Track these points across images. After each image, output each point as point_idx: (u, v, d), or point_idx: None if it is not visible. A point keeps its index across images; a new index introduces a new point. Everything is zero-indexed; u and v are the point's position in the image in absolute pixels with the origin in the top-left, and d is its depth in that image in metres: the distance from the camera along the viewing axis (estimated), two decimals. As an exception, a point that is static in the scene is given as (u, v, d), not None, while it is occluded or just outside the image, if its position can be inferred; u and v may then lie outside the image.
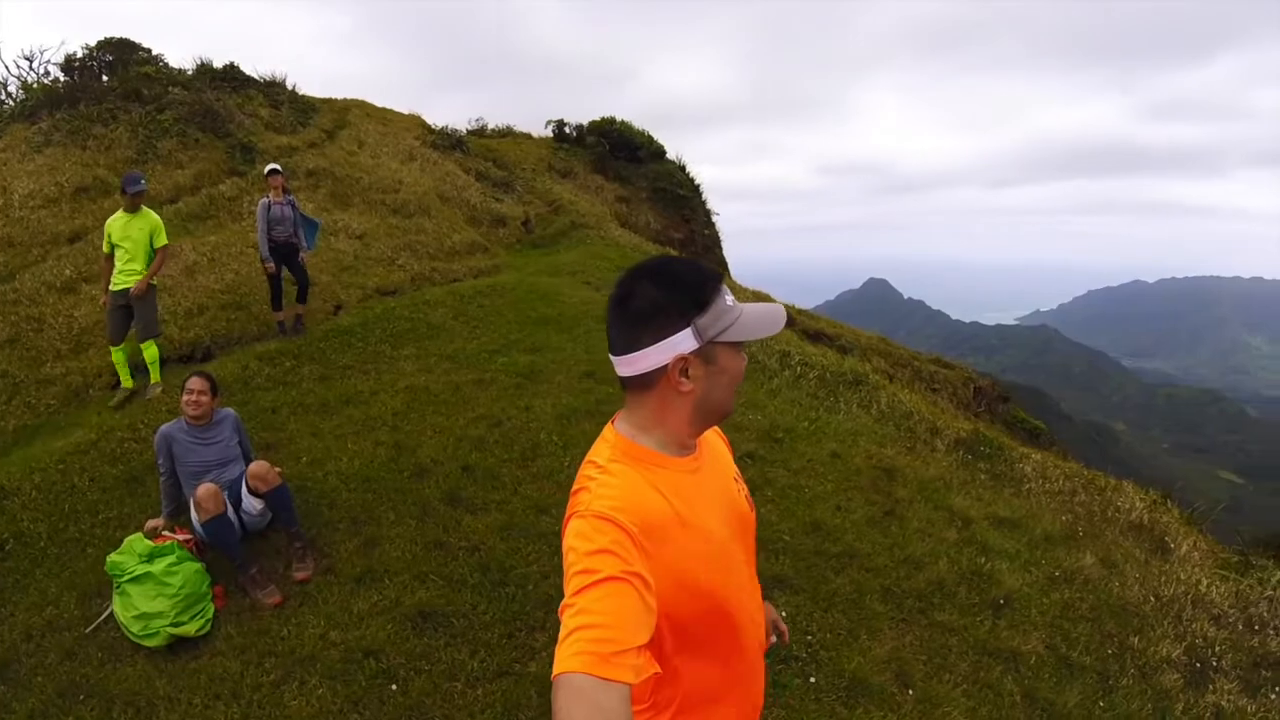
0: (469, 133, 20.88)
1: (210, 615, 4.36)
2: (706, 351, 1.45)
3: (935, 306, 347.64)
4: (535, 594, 4.41)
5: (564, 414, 7.08)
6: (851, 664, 4.11)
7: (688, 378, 1.46)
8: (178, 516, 5.05)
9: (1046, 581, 5.19)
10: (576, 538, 1.30)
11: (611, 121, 21.07)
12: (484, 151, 19.18)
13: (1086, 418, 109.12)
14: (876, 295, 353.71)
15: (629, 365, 1.47)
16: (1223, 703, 4.24)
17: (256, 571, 4.57)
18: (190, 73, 16.61)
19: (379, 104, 20.09)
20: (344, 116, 17.92)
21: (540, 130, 22.30)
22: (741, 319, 1.49)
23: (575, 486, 1.47)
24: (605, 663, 1.10)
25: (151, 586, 4.30)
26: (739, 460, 6.06)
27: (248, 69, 17.56)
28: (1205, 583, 5.33)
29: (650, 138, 20.91)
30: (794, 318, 14.25)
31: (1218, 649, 4.66)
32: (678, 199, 19.85)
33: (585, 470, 1.48)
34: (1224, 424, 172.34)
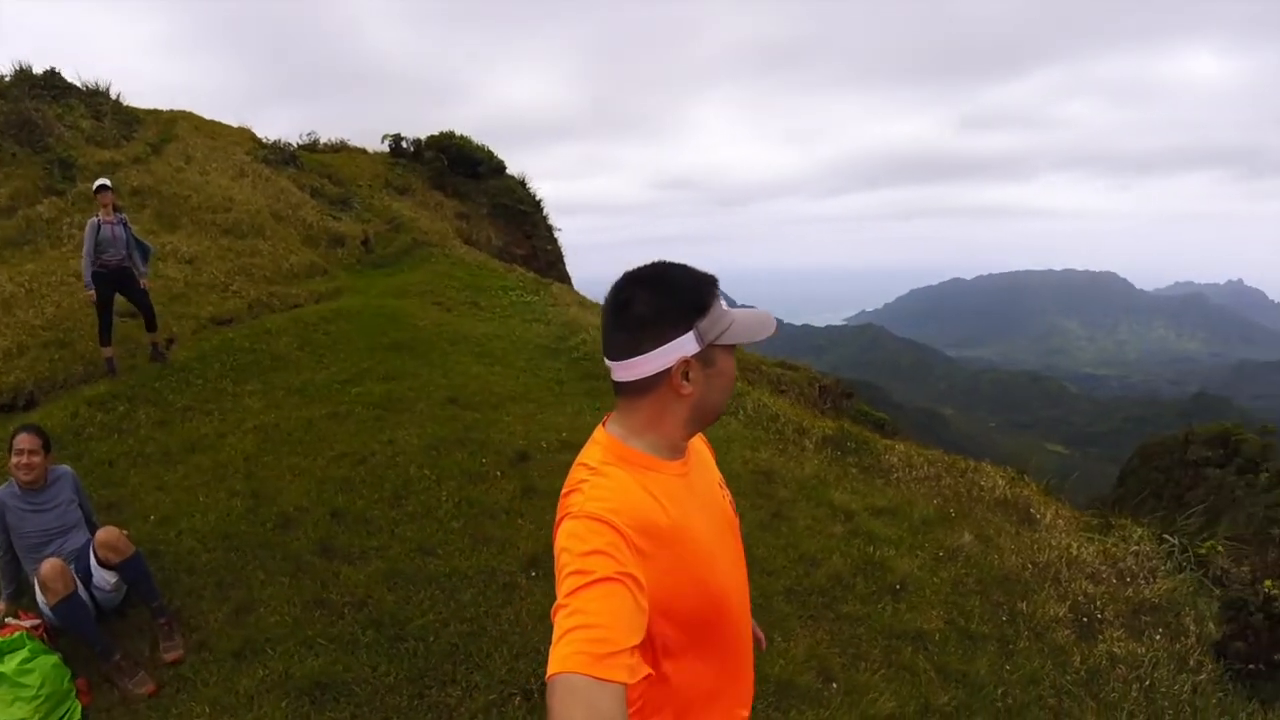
0: (300, 147, 19.87)
1: (78, 716, 3.73)
2: (706, 354, 1.49)
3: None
4: (438, 645, 4.01)
5: (432, 445, 6.68)
6: (774, 668, 4.10)
7: (688, 380, 1.49)
8: (19, 599, 4.29)
9: (933, 562, 5.38)
10: (570, 539, 1.32)
11: (450, 136, 20.47)
12: (318, 167, 18.19)
13: (916, 405, 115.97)
14: None
15: (630, 370, 1.49)
16: (1114, 649, 4.53)
17: (121, 658, 3.87)
18: (7, 79, 14.94)
19: (207, 116, 18.67)
20: (170, 129, 16.49)
21: (376, 145, 21.45)
22: (736, 322, 1.54)
23: (566, 489, 1.48)
24: (600, 663, 1.10)
25: (6, 691, 3.58)
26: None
27: (70, 76, 15.93)
28: (1074, 546, 5.68)
29: (490, 153, 20.44)
30: None
31: (1099, 603, 4.96)
32: (519, 215, 19.53)
33: (576, 473, 1.49)
34: (1046, 401, 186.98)
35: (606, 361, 1.53)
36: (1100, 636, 4.65)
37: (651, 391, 1.50)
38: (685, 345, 1.46)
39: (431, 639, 4.09)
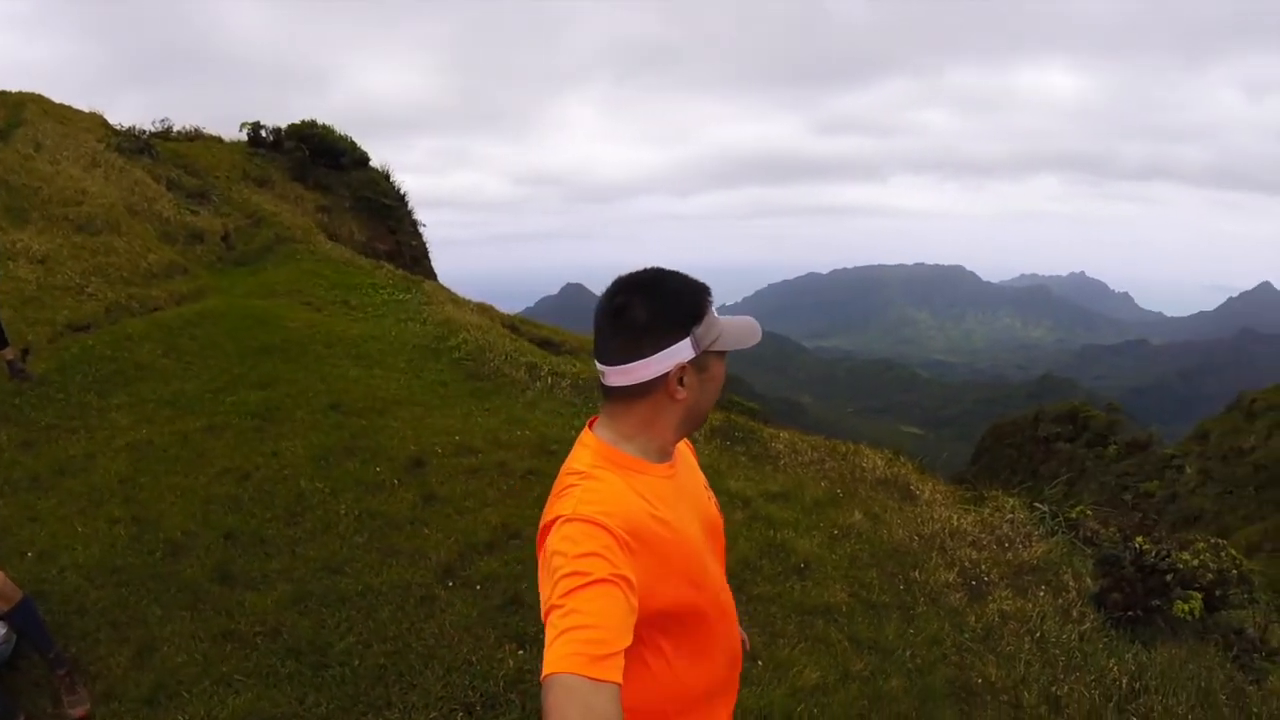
0: (154, 135, 18.37)
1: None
2: (700, 360, 1.55)
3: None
4: (365, 669, 3.86)
5: (319, 455, 6.42)
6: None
7: (683, 385, 1.54)
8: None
9: (830, 541, 5.65)
10: (564, 541, 1.33)
11: (312, 125, 19.43)
12: (173, 157, 16.90)
13: (778, 395, 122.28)
14: (575, 300, 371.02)
15: (626, 375, 1.52)
16: (1004, 607, 4.89)
17: (26, 720, 3.64)
18: None
19: (57, 99, 17.18)
20: (19, 113, 15.07)
21: (233, 133, 19.99)
22: (726, 330, 1.59)
23: (555, 492, 1.51)
24: (596, 664, 1.14)
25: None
26: (522, 478, 5.95)
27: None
28: (954, 518, 6.08)
29: (353, 143, 19.57)
30: (518, 325, 14.24)
31: (983, 567, 5.34)
32: (383, 209, 18.83)
33: (566, 478, 1.52)
34: (899, 386, 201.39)
35: (600, 365, 1.56)
36: (990, 597, 5.02)
37: (647, 396, 1.54)
38: (682, 351, 1.51)
39: (356, 663, 3.94)
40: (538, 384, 8.78)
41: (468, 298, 14.31)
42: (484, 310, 13.80)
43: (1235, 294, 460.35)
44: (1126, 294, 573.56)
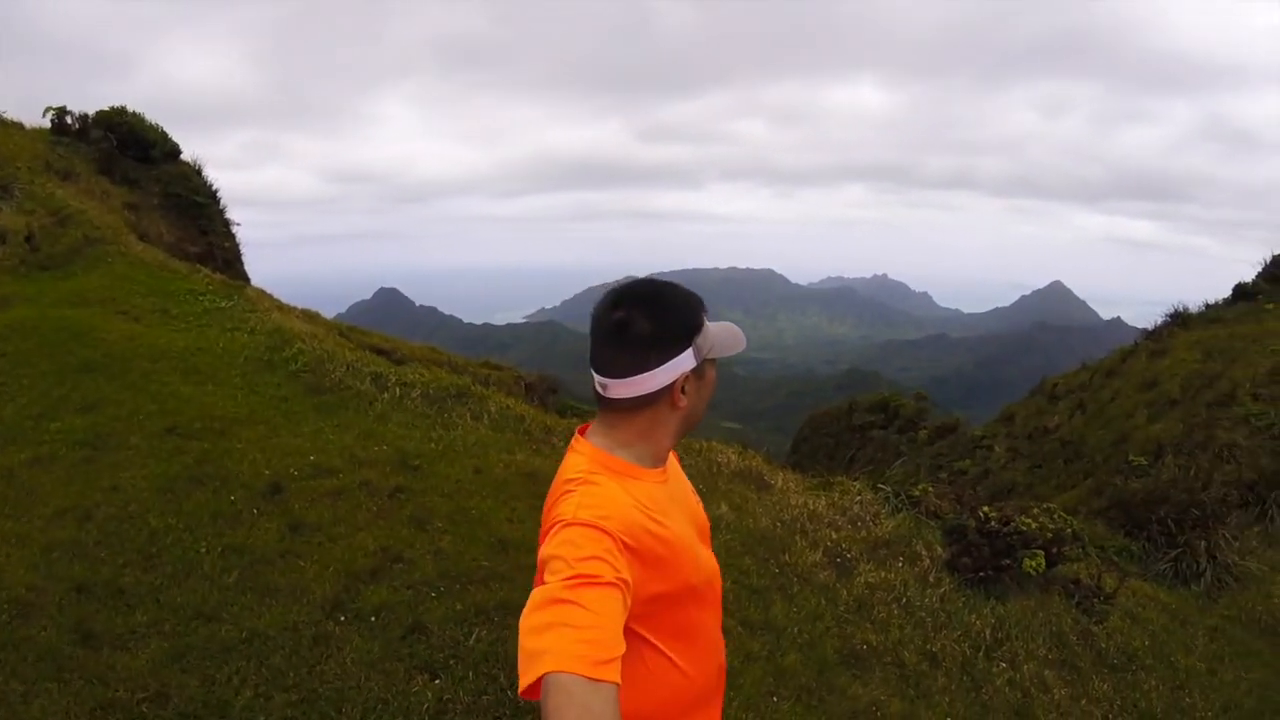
0: None
1: None
2: (699, 368, 1.61)
3: (448, 312, 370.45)
4: None
5: (164, 487, 5.86)
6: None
7: (684, 394, 1.60)
8: None
9: (703, 534, 5.91)
10: (564, 545, 1.36)
11: (122, 113, 17.29)
12: None
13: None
14: (388, 304, 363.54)
15: (633, 387, 1.56)
16: (869, 580, 5.38)
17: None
18: None
19: None
20: None
21: (34, 119, 17.65)
22: (719, 337, 1.66)
23: (552, 499, 1.58)
24: (598, 667, 1.16)
25: None
26: (390, 496, 5.80)
27: None
28: (809, 503, 6.53)
29: (164, 134, 17.67)
30: (347, 332, 13.59)
31: (844, 545, 5.80)
32: (193, 207, 17.22)
33: (562, 485, 1.56)
34: (719, 384, 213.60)
35: (600, 379, 1.60)
36: (855, 572, 5.46)
37: (649, 406, 1.59)
38: (685, 362, 1.57)
39: (263, 718, 3.77)
40: (385, 395, 8.44)
41: (291, 304, 13.57)
42: (311, 317, 13.06)
43: (1029, 291, 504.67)
44: (926, 293, 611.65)
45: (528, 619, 1.25)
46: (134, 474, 6.18)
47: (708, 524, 1.89)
